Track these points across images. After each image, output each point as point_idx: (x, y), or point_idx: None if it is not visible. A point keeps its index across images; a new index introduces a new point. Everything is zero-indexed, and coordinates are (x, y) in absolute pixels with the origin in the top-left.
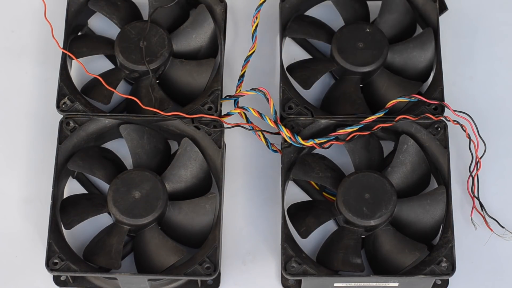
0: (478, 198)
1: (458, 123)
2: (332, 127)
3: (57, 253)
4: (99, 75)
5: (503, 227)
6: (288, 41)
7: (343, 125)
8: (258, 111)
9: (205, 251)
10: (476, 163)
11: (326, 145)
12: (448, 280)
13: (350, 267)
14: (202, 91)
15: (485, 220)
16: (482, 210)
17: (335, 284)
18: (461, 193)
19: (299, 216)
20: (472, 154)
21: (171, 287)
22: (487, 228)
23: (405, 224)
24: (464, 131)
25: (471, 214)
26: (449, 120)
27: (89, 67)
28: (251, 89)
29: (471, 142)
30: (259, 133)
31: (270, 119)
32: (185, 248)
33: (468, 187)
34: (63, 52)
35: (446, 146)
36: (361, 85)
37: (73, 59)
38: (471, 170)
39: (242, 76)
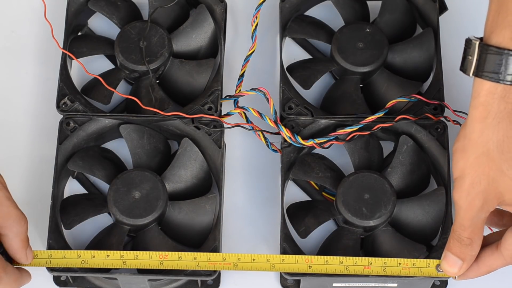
0: None
1: (458, 123)
2: (332, 127)
3: None
4: (99, 75)
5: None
6: (288, 41)
7: (343, 125)
8: (258, 111)
9: (205, 251)
10: None
11: (326, 145)
12: (447, 281)
13: None
14: (202, 91)
15: None
16: None
17: (334, 284)
18: None
19: (298, 216)
20: None
21: (171, 287)
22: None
23: (404, 224)
24: None
25: None
26: (449, 120)
27: (89, 67)
28: (251, 89)
29: None
30: (259, 133)
31: (270, 119)
32: (185, 248)
33: None
34: (63, 52)
35: (446, 147)
36: (361, 85)
37: (73, 59)
38: None
39: (242, 76)
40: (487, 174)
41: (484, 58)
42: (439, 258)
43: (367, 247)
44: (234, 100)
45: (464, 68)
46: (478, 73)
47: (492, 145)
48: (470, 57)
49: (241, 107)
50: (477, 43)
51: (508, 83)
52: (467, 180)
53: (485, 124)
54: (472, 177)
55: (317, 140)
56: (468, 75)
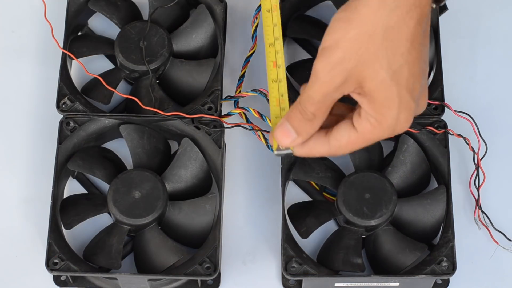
0: (482, 210)
1: (461, 136)
2: None
3: (57, 253)
4: (99, 75)
5: (510, 240)
6: (288, 41)
7: None
8: (258, 112)
9: (205, 251)
10: (478, 163)
11: None
12: (448, 279)
13: (350, 267)
14: (202, 91)
15: (490, 232)
16: (483, 219)
17: (336, 284)
18: (462, 192)
19: (299, 216)
20: (473, 156)
21: (171, 287)
22: (487, 229)
23: (406, 224)
24: (468, 144)
25: (474, 214)
26: (452, 134)
27: (89, 67)
28: (252, 90)
29: (472, 142)
30: (259, 133)
31: (270, 120)
32: (185, 248)
33: (470, 187)
34: (63, 52)
35: (446, 146)
36: None
37: (73, 59)
38: (473, 171)
39: (242, 76)
40: (361, 54)
41: None
42: (440, 257)
43: (369, 246)
44: (235, 101)
45: None
46: None
47: (380, 27)
48: None
49: (242, 108)
50: None
51: None
52: (337, 53)
53: (383, 4)
54: (344, 52)
55: None
56: None
